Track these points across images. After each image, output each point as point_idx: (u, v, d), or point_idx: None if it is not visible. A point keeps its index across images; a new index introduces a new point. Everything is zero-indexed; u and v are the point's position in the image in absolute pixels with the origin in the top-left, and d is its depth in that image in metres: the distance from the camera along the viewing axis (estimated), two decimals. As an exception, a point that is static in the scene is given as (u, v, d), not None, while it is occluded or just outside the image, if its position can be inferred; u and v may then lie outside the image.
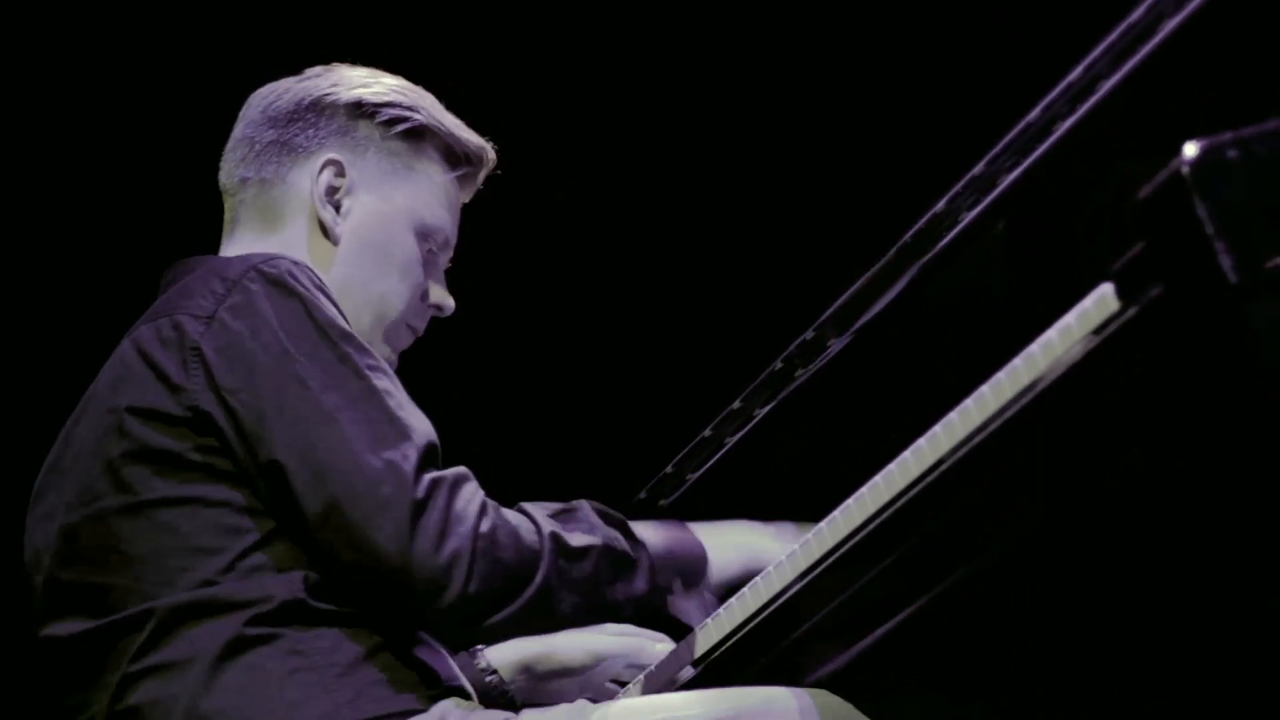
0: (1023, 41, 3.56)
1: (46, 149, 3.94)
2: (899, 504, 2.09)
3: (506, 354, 4.12)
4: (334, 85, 2.49)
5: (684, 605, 2.44)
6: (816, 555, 2.20)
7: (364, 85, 2.49)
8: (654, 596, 2.32)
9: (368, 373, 2.20)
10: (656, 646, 2.55)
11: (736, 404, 2.69)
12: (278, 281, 2.22)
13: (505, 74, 3.98)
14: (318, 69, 2.53)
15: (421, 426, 2.19)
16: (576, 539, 2.24)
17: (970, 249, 2.34)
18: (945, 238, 2.35)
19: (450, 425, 2.31)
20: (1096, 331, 1.87)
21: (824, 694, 2.15)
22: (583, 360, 4.11)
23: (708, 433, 2.73)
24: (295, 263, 2.26)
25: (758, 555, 2.42)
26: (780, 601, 2.23)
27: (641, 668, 2.53)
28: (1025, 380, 1.95)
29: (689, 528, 2.43)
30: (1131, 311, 1.83)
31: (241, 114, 2.52)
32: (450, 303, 2.53)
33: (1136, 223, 1.81)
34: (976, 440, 2.00)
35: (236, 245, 2.46)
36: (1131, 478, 1.91)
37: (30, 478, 2.34)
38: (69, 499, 2.24)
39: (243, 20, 3.91)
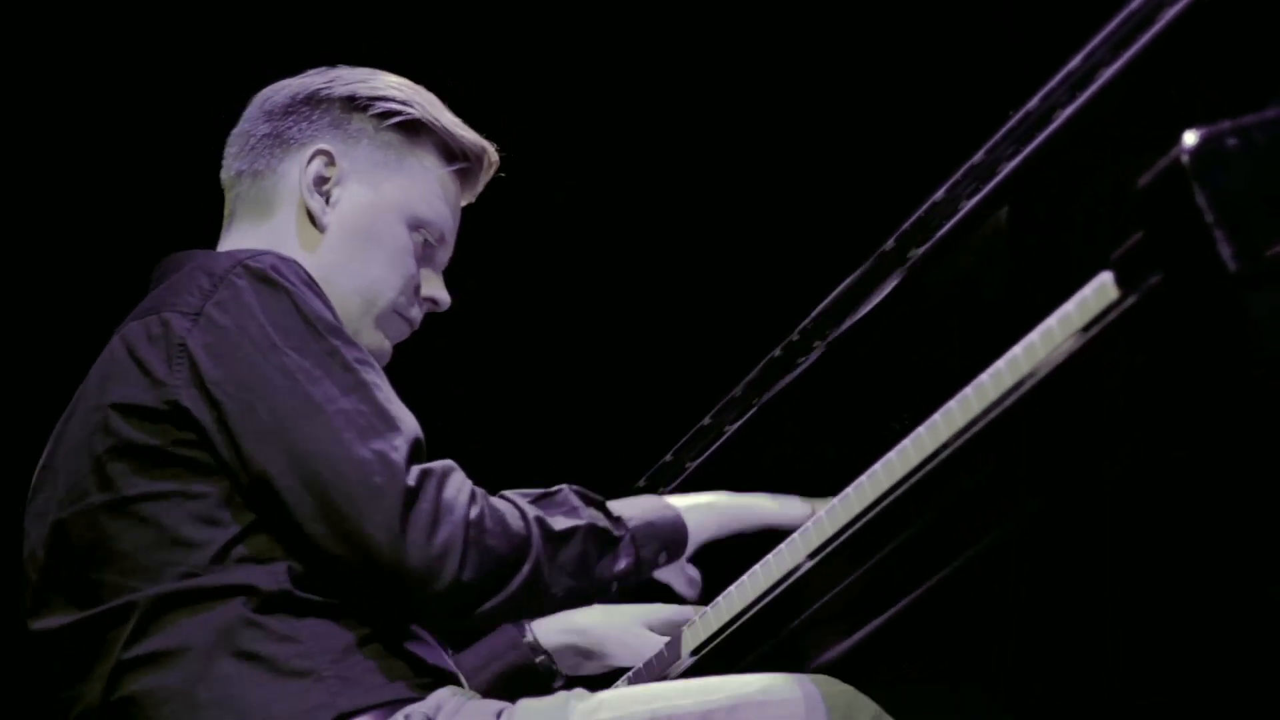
0: (1023, 30, 3.56)
1: (46, 149, 3.94)
2: (899, 492, 2.09)
3: (507, 345, 4.12)
4: (330, 81, 2.49)
5: (668, 574, 2.51)
6: (816, 543, 2.21)
7: (361, 81, 2.49)
8: (640, 569, 2.34)
9: (356, 366, 2.20)
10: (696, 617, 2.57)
11: (736, 392, 2.70)
12: (264, 276, 2.21)
13: (505, 74, 3.98)
14: (319, 69, 2.53)
15: (409, 420, 2.20)
16: (560, 522, 2.25)
17: (970, 237, 2.34)
18: (945, 226, 2.35)
19: (450, 416, 2.32)
20: (1096, 320, 1.87)
21: (826, 679, 2.15)
22: (582, 350, 4.12)
23: (707, 421, 2.73)
24: (281, 258, 2.25)
25: (732, 510, 2.46)
26: (779, 590, 2.24)
27: None
28: (1025, 369, 1.95)
29: (663, 498, 2.45)
30: (1131, 300, 1.83)
31: (243, 113, 2.53)
32: (446, 297, 2.52)
33: (1136, 211, 1.81)
34: (976, 429, 2.00)
35: (231, 238, 2.47)
36: (1131, 466, 1.91)
37: (29, 477, 2.34)
38: (60, 496, 2.24)
39: (243, 20, 3.91)
